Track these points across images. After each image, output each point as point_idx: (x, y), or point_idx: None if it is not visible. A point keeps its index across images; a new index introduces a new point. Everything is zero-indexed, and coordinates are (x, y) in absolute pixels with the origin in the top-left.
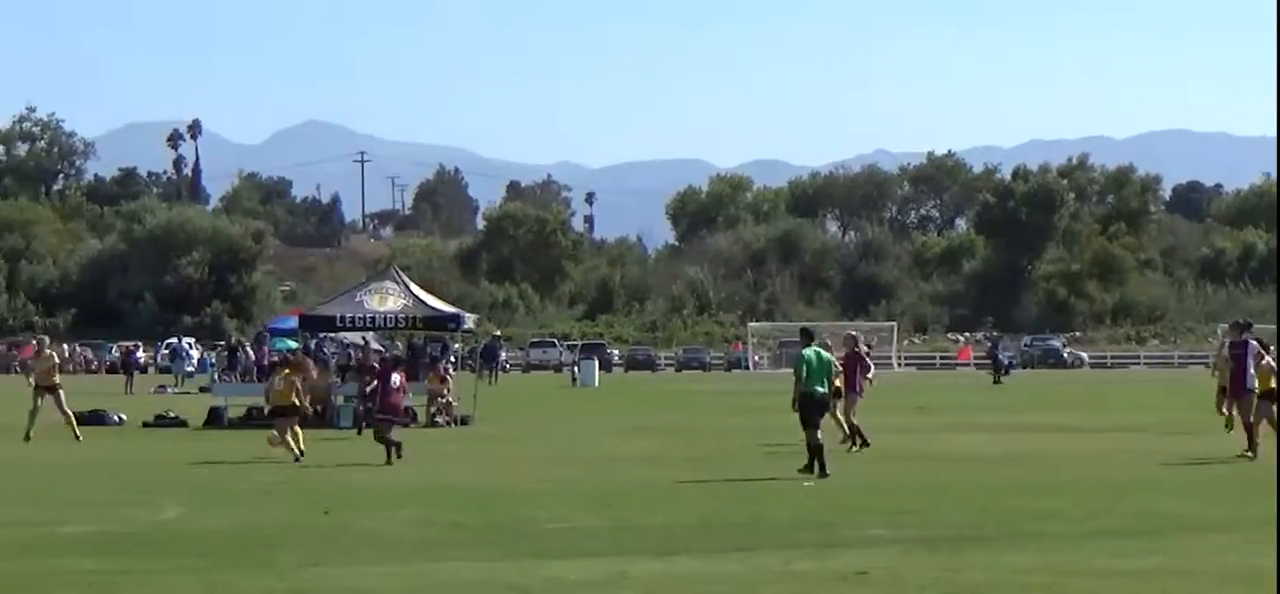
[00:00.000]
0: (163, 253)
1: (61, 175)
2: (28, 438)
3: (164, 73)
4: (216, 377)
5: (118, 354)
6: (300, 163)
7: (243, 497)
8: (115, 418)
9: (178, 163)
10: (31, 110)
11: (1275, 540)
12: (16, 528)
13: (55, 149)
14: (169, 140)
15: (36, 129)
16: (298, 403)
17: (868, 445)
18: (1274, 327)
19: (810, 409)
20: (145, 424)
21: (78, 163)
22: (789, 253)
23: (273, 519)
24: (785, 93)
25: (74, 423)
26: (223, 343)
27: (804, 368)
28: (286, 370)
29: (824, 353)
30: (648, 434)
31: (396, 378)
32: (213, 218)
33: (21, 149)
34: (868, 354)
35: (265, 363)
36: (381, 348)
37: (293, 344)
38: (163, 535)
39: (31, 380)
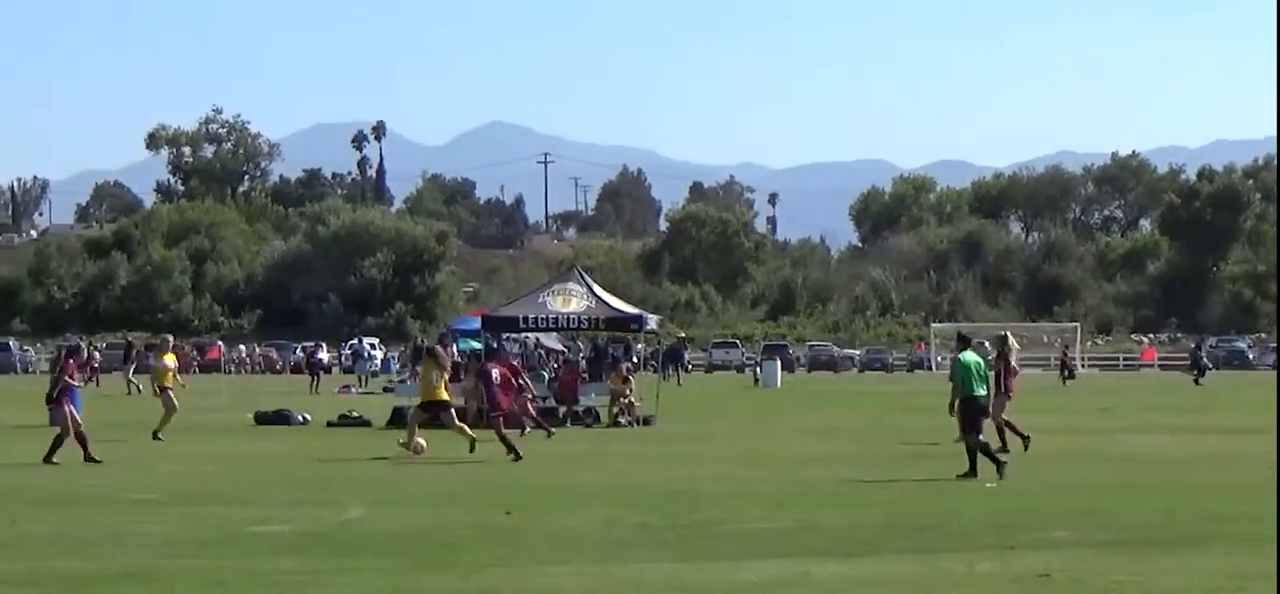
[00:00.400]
0: (347, 254)
1: (247, 176)
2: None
3: (350, 74)
4: (399, 377)
5: (301, 355)
6: (484, 164)
7: (425, 497)
8: (300, 418)
9: (362, 164)
10: (218, 112)
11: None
12: (207, 526)
13: (241, 150)
14: (354, 141)
15: (223, 130)
16: (444, 397)
17: (1028, 440)
18: None
19: (971, 413)
20: (329, 424)
21: (263, 164)
22: (972, 254)
23: (455, 519)
24: (970, 93)
25: (166, 424)
26: (406, 344)
27: (963, 372)
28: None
29: (979, 356)
30: (830, 435)
31: (496, 373)
32: (397, 219)
33: (208, 151)
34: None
35: (514, 362)
36: (565, 348)
37: (476, 345)
38: (347, 535)
39: (153, 380)
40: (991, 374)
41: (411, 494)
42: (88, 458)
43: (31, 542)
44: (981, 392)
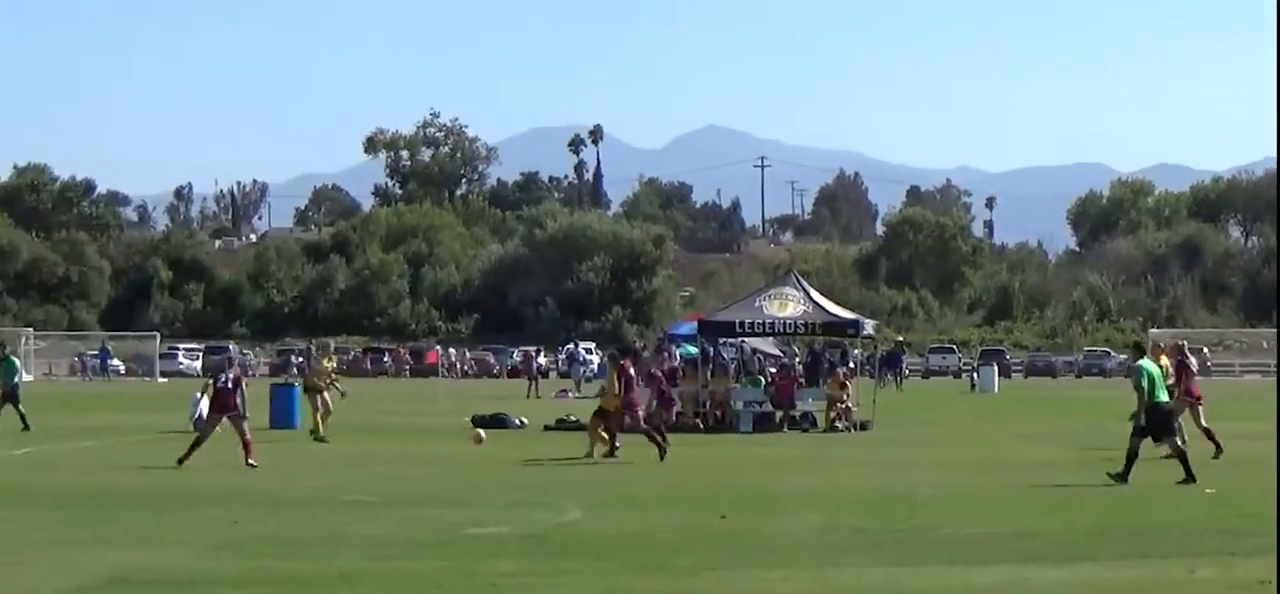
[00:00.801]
0: (564, 258)
1: (464, 180)
2: (319, 435)
3: (567, 78)
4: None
5: (518, 359)
6: (701, 168)
7: (642, 500)
8: (517, 422)
9: (579, 168)
10: (435, 115)
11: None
12: (424, 528)
13: (458, 154)
14: (571, 145)
15: (440, 134)
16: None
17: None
18: None
19: (1159, 420)
20: (546, 428)
21: (480, 168)
22: (1191, 258)
23: (670, 522)
24: (1188, 96)
25: (321, 427)
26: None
27: (1147, 380)
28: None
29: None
30: (1047, 440)
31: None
32: (613, 223)
33: (425, 154)
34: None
35: (665, 369)
36: (781, 353)
37: (692, 350)
38: (564, 537)
39: (315, 381)
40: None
41: (628, 497)
42: (183, 462)
43: (251, 543)
44: (1164, 397)
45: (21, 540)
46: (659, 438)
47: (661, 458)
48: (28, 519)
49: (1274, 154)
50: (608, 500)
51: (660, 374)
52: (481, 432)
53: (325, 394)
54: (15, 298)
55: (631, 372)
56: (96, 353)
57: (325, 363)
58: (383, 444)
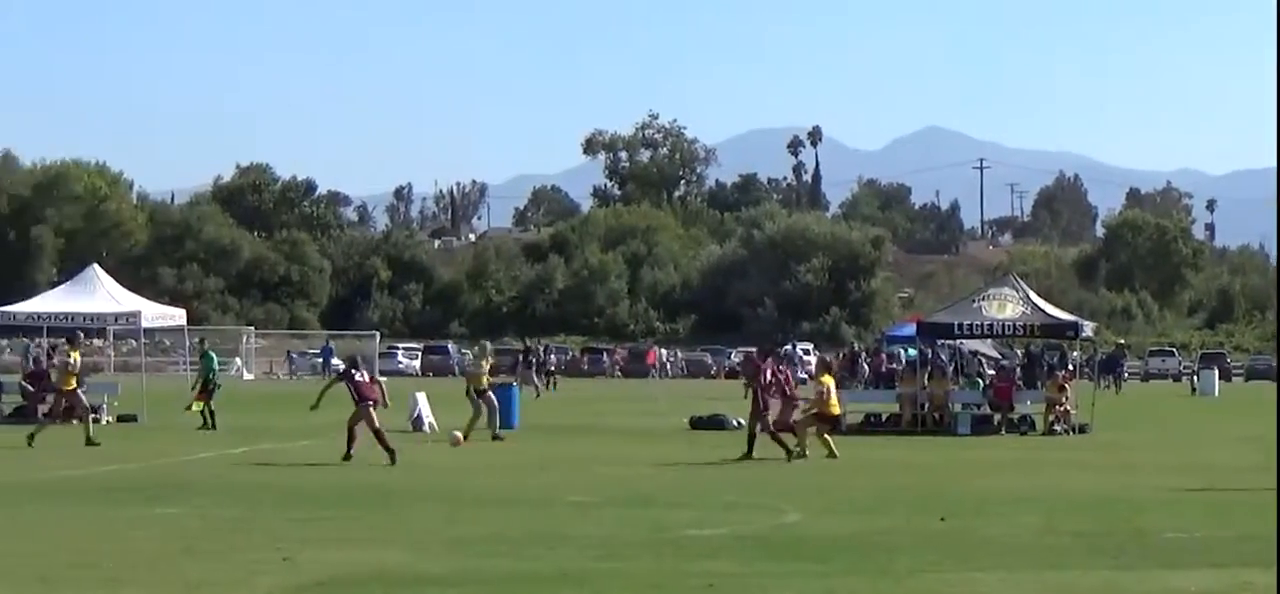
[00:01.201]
0: (782, 259)
1: (682, 181)
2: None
3: (785, 80)
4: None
5: (736, 359)
6: (919, 169)
7: (861, 502)
8: (734, 422)
9: (798, 169)
10: (654, 117)
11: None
12: (642, 529)
13: (677, 155)
14: (789, 146)
15: (659, 136)
16: (836, 410)
17: None
18: None
19: None
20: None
21: (699, 169)
22: None
23: (890, 524)
24: None
25: (473, 426)
26: (842, 350)
27: None
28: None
29: None
30: (1268, 445)
31: (769, 374)
32: (832, 224)
33: (644, 155)
34: None
35: (883, 370)
36: (1000, 355)
37: (912, 352)
38: (782, 538)
39: (479, 382)
40: None
41: (847, 500)
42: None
43: (470, 542)
44: None
45: (239, 539)
46: (785, 443)
47: (788, 460)
48: (245, 517)
49: None
50: (826, 502)
51: (785, 375)
52: (458, 433)
53: (490, 394)
54: (237, 297)
55: (769, 373)
56: (317, 351)
57: (484, 364)
58: (602, 445)
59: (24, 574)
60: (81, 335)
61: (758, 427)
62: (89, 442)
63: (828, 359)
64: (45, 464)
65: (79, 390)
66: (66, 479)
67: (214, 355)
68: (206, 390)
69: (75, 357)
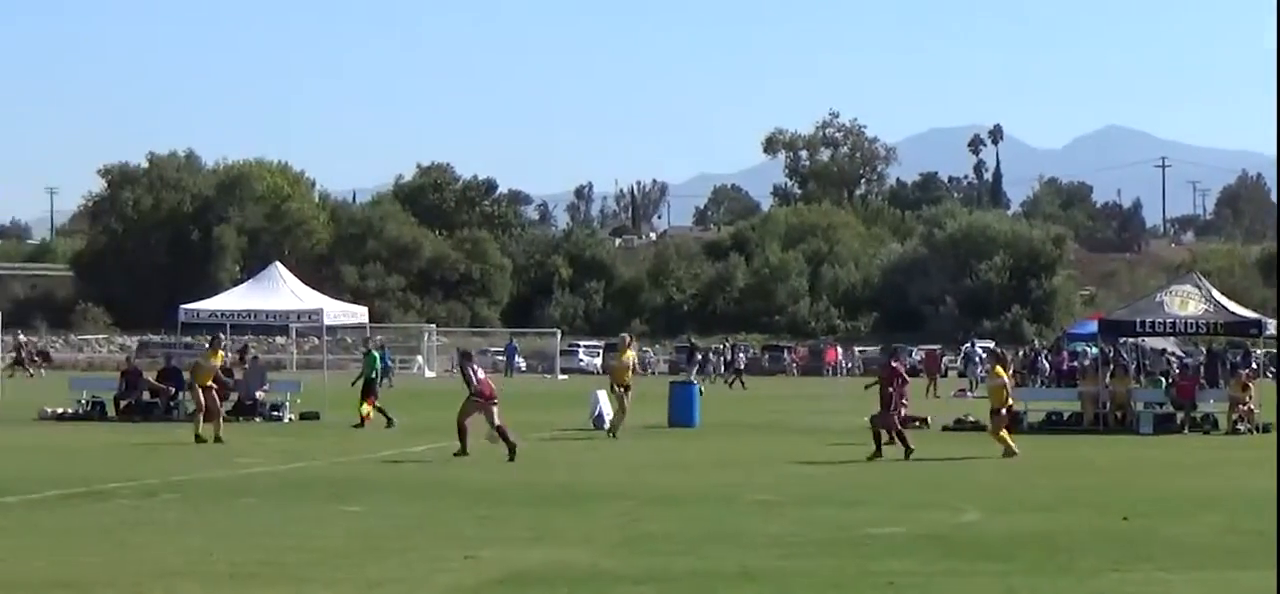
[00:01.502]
0: (963, 257)
1: (863, 180)
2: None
3: (965, 79)
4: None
5: (919, 358)
6: (1100, 168)
7: (1042, 501)
8: (916, 422)
9: (978, 167)
10: (835, 116)
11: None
12: (822, 527)
13: (857, 154)
14: (970, 145)
15: (839, 135)
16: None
17: None
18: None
19: None
20: (945, 428)
21: (880, 168)
22: None
23: (1070, 524)
24: None
25: (619, 422)
26: (1023, 349)
27: None
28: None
29: None
30: None
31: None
32: (1013, 222)
33: (825, 154)
34: None
35: (1064, 368)
36: (1183, 353)
37: (1094, 350)
38: (962, 537)
39: (622, 377)
40: None
41: (1028, 499)
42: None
43: (651, 540)
44: None
45: (421, 537)
46: (904, 439)
47: (906, 457)
48: (427, 515)
49: None
50: (1006, 501)
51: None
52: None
53: (631, 389)
54: (418, 295)
55: (903, 372)
56: (500, 349)
57: (624, 356)
58: (782, 443)
59: (215, 572)
60: (222, 337)
61: (883, 424)
62: (198, 439)
63: (1001, 352)
64: (236, 462)
65: (214, 390)
66: (253, 476)
67: (376, 354)
68: (371, 392)
69: (218, 358)
